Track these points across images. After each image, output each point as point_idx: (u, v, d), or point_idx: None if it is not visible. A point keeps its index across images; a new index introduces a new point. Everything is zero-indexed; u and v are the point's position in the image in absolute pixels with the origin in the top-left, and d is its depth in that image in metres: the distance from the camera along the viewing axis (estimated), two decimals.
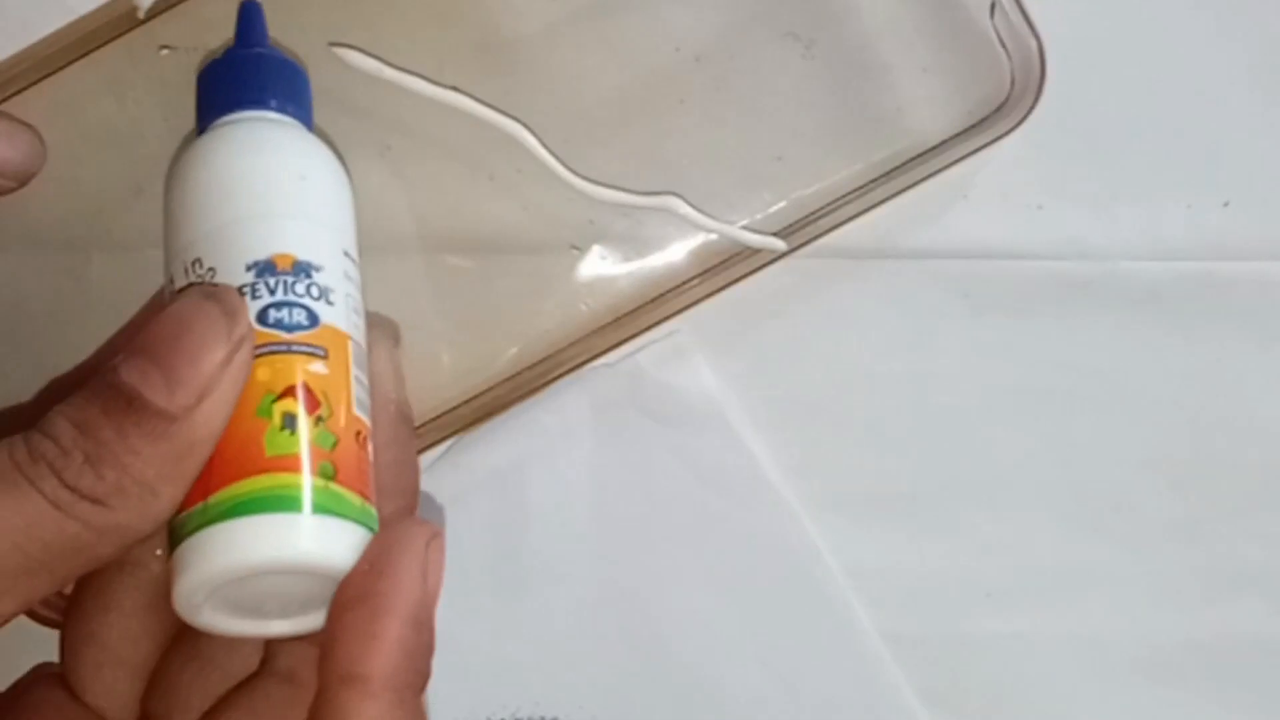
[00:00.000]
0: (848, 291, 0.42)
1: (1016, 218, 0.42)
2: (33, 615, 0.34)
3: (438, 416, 0.42)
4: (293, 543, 0.30)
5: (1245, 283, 0.42)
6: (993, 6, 0.40)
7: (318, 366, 0.31)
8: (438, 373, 0.42)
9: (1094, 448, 0.43)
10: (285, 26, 0.40)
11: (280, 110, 0.35)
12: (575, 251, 0.41)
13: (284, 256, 0.32)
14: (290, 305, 0.32)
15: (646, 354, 0.42)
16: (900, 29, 0.41)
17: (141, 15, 0.40)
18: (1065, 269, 0.42)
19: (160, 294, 0.35)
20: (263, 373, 0.31)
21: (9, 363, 0.42)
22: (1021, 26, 0.40)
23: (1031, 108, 0.40)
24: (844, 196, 0.41)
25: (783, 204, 0.41)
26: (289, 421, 0.31)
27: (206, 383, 0.29)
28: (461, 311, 0.42)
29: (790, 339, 0.43)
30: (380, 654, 0.29)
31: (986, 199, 0.42)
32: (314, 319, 0.32)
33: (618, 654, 0.43)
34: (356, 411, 0.32)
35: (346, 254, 0.34)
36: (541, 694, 0.43)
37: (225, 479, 0.30)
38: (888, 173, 0.41)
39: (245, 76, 0.36)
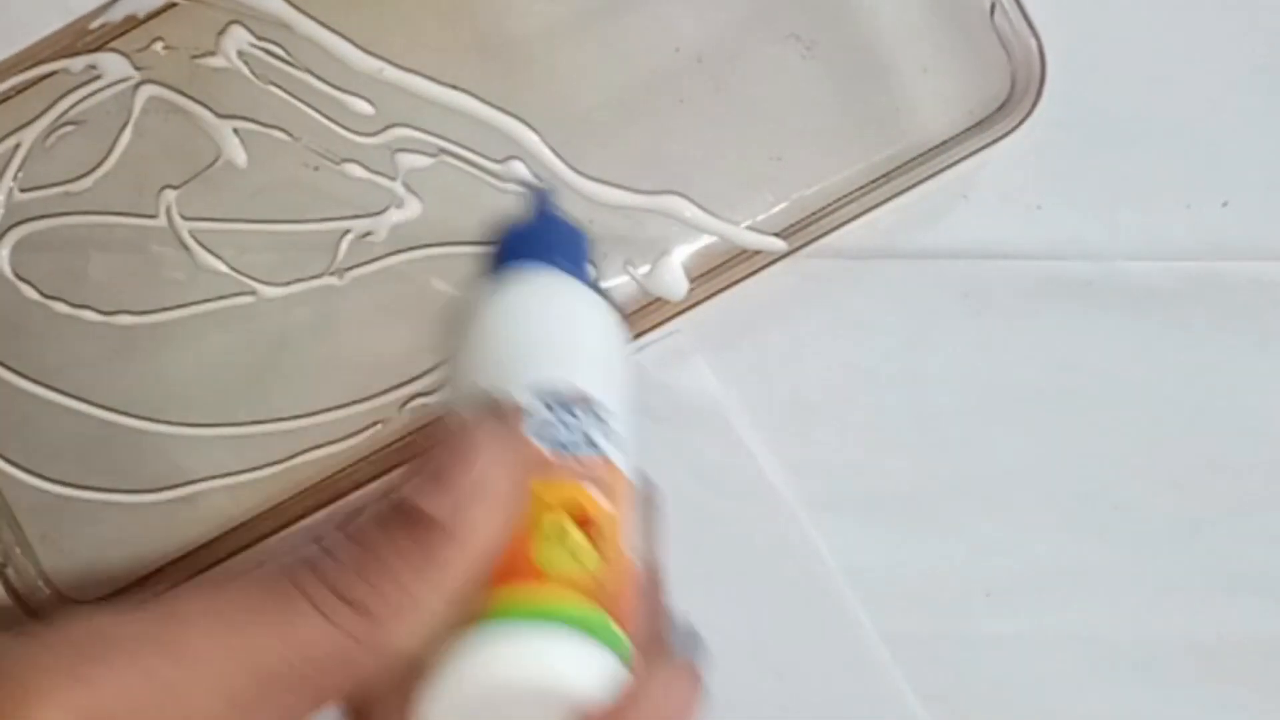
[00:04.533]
0: (848, 291, 0.42)
1: (1016, 218, 0.42)
2: None
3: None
4: (557, 666, 0.29)
5: (1245, 283, 0.42)
6: (993, 6, 0.40)
7: (595, 493, 0.30)
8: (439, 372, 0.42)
9: (1094, 448, 0.43)
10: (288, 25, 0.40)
11: (567, 269, 0.34)
12: None
13: (573, 389, 0.31)
14: (572, 428, 0.31)
15: (646, 354, 0.42)
16: (900, 29, 0.41)
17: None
18: (1065, 269, 0.42)
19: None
20: (542, 490, 0.30)
21: (10, 363, 0.42)
22: (1022, 26, 0.40)
23: (1032, 108, 0.40)
24: (844, 197, 0.41)
25: (783, 204, 0.41)
26: (565, 541, 0.30)
27: (479, 491, 0.29)
28: None
29: (790, 339, 0.42)
30: None
31: (986, 199, 0.42)
32: (594, 446, 0.31)
33: None
34: (626, 550, 0.31)
35: (629, 413, 0.33)
36: None
37: (494, 593, 0.29)
38: (888, 173, 0.41)
39: (538, 236, 0.35)
